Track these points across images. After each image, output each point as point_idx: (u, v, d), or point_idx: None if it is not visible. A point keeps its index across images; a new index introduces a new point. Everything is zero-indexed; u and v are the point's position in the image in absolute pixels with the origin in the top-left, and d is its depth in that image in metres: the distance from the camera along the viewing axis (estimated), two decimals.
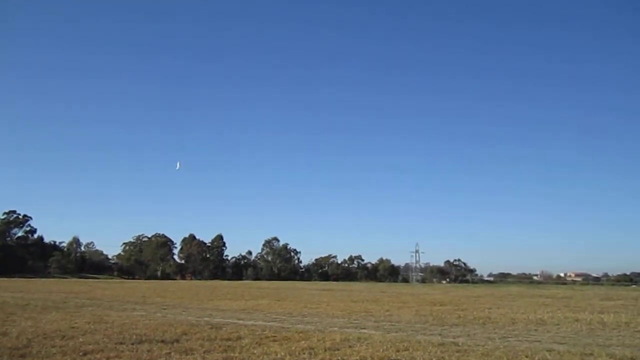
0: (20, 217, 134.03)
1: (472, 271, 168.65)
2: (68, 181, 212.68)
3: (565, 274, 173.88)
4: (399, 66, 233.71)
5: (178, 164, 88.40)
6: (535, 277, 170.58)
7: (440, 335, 12.92)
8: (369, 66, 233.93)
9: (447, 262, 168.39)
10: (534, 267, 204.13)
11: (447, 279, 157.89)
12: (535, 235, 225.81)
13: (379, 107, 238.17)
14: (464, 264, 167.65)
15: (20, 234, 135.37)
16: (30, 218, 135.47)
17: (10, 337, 11.03)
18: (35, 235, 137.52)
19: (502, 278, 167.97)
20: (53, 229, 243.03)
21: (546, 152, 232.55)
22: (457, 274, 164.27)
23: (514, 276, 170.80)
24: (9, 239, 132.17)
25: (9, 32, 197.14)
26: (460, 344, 11.09)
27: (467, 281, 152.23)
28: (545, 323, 16.63)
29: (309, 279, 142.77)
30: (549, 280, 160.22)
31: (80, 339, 10.82)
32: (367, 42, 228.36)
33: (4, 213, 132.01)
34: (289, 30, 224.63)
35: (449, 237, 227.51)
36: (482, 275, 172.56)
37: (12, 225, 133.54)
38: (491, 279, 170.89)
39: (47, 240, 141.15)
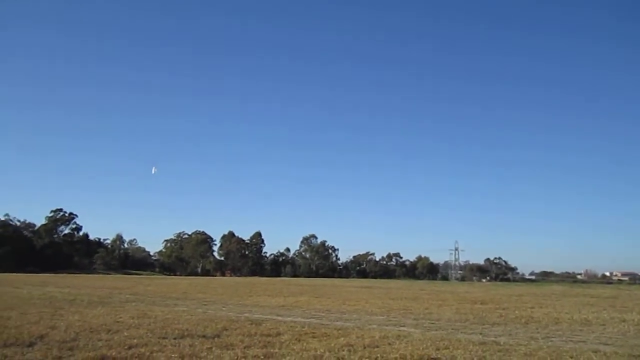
0: (67, 215, 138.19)
1: (513, 269, 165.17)
2: (111, 180, 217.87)
3: (611, 273, 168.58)
4: (438, 69, 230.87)
5: (154, 169, 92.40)
6: (579, 276, 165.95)
7: (481, 334, 12.74)
8: (414, 69, 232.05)
9: (487, 260, 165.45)
10: (578, 265, 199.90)
11: (487, 277, 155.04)
12: (579, 233, 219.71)
13: (415, 109, 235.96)
14: (505, 262, 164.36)
15: (66, 231, 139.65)
16: (76, 216, 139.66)
17: (59, 330, 11.40)
18: (81, 233, 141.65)
19: (545, 277, 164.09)
20: (97, 226, 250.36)
21: (591, 147, 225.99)
22: (497, 272, 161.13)
23: (556, 275, 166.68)
24: (56, 236, 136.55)
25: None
26: (501, 343, 10.92)
27: (507, 280, 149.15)
28: (590, 323, 16.20)
29: (346, 277, 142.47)
30: (593, 279, 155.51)
31: (125, 333, 11.11)
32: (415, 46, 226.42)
33: (51, 211, 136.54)
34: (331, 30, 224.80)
35: (489, 235, 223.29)
36: (523, 274, 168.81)
37: (59, 223, 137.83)
38: (533, 277, 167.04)
39: (92, 237, 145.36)
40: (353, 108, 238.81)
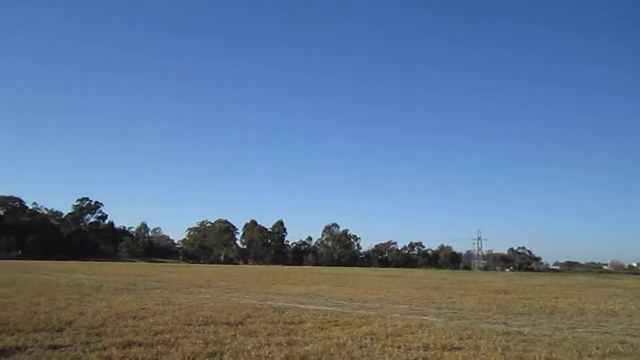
0: (93, 203, 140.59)
1: (537, 259, 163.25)
2: (136, 170, 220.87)
3: (638, 264, 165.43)
4: (459, 63, 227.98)
5: None
6: (605, 267, 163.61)
7: (504, 324, 12.65)
8: (438, 62, 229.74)
9: (511, 249, 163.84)
10: (603, 256, 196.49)
11: (511, 267, 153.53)
12: (606, 223, 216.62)
13: (437, 102, 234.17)
14: (529, 251, 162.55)
15: (92, 220, 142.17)
16: (102, 204, 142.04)
17: (87, 316, 11.64)
18: (106, 221, 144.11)
19: (569, 267, 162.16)
20: (123, 215, 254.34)
21: (619, 139, 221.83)
22: (521, 262, 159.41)
23: (582, 265, 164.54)
24: (82, 224, 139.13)
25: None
26: (525, 334, 10.83)
27: (531, 270, 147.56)
28: (616, 314, 15.98)
29: (368, 265, 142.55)
30: (620, 270, 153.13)
31: (151, 320, 11.30)
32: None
33: (78, 200, 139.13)
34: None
35: (512, 224, 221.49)
36: (547, 264, 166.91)
37: (85, 212, 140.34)
38: (557, 267, 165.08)
39: (117, 225, 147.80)
40: (376, 99, 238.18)
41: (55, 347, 8.04)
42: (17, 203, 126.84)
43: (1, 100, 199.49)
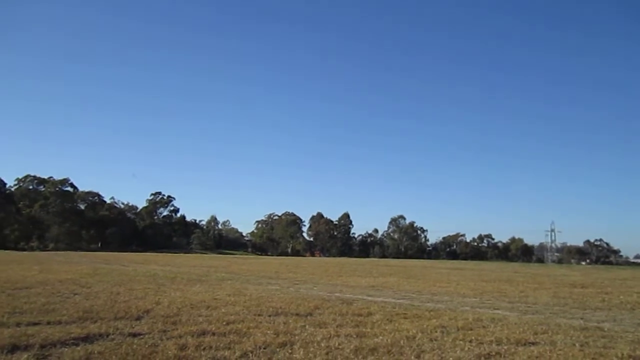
0: (165, 197, 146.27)
1: (616, 252, 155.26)
2: (206, 164, 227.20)
3: None
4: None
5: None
6: None
7: (582, 319, 12.12)
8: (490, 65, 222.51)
9: (587, 241, 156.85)
10: None
11: (587, 260, 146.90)
12: None
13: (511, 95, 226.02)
14: (607, 244, 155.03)
15: (165, 213, 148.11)
16: (174, 198, 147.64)
17: (163, 305, 12.10)
18: (178, 215, 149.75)
19: None
20: (194, 208, 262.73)
21: None
22: (598, 254, 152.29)
23: None
24: (156, 217, 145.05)
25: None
26: (605, 329, 10.34)
27: (610, 263, 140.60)
28: None
29: (436, 258, 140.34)
30: None
31: (223, 310, 11.61)
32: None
33: (151, 194, 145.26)
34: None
35: (588, 215, 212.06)
36: (627, 257, 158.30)
37: (159, 205, 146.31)
38: (638, 261, 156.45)
39: (188, 219, 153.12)
40: (433, 96, 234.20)
41: (134, 335, 8.41)
42: (96, 198, 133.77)
43: (86, 100, 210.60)
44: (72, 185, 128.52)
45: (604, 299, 17.69)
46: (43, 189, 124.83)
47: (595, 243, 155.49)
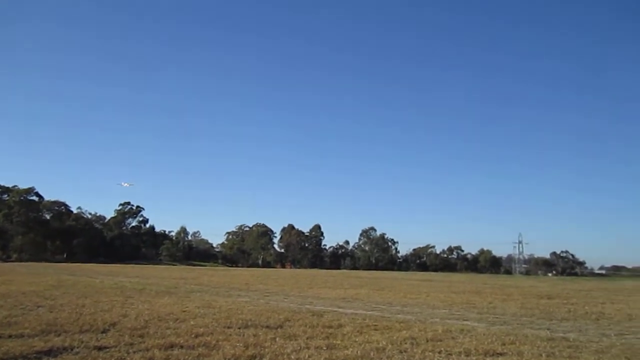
0: (134, 207, 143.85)
1: (581, 264, 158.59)
2: (176, 175, 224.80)
3: None
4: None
5: (124, 184, 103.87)
6: None
7: (548, 329, 12.33)
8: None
9: (554, 253, 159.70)
10: None
11: (553, 272, 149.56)
12: None
13: (465, 108, 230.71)
14: (572, 255, 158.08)
15: (134, 223, 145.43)
16: (143, 209, 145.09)
17: (130, 318, 11.88)
18: (147, 225, 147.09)
19: (616, 271, 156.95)
20: (163, 219, 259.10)
21: None
22: (564, 266, 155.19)
23: (629, 269, 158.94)
24: (124, 228, 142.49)
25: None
26: (571, 340, 10.53)
27: (575, 274, 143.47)
28: None
29: (406, 270, 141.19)
30: None
31: (192, 322, 11.45)
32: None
33: (120, 204, 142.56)
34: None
35: (555, 227, 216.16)
36: (592, 268, 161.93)
37: (127, 216, 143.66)
38: (603, 272, 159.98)
39: (157, 229, 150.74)
40: (408, 105, 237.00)
41: (100, 348, 8.22)
42: (62, 208, 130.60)
43: (48, 111, 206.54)
44: (37, 194, 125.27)
45: (569, 310, 18.06)
46: (7, 198, 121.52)
47: (562, 255, 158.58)
